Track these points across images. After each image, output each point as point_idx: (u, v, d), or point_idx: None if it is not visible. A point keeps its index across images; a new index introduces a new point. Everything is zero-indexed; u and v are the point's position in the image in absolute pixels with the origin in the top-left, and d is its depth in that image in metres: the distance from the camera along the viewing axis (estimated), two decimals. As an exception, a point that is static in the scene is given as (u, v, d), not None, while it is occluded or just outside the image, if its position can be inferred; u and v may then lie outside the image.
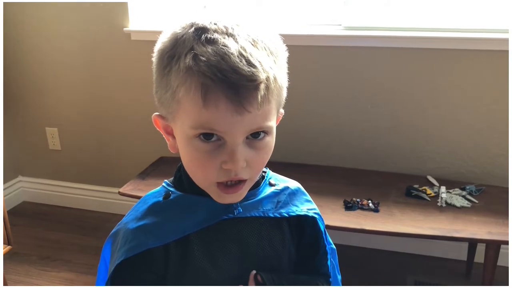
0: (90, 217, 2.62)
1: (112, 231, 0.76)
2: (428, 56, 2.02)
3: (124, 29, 2.30)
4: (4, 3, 2.42)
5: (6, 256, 1.99)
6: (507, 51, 1.86)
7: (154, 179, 2.05)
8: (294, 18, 2.23)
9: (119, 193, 1.98)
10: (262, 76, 0.62)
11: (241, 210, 0.74)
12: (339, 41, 2.11)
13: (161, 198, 0.75)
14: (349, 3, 2.11)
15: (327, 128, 2.22)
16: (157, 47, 0.69)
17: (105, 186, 2.63)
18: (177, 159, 0.73)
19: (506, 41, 1.85)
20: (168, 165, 2.17)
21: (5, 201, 2.02)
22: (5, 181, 2.66)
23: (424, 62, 2.04)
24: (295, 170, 1.96)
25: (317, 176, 2.04)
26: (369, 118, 2.15)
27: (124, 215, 0.78)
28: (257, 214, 0.75)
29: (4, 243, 1.91)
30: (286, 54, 0.71)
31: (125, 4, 2.28)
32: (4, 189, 2.59)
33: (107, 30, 2.34)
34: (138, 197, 1.77)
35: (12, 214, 2.43)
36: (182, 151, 0.70)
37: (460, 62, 2.00)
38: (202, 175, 0.69)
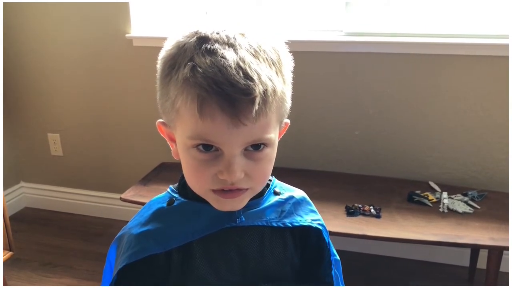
0: (92, 223, 2.62)
1: (118, 234, 0.77)
2: (429, 61, 2.03)
3: (126, 35, 2.30)
4: (6, 8, 2.44)
5: (7, 262, 1.99)
6: (507, 57, 1.87)
7: (155, 185, 2.05)
8: (296, 24, 2.23)
9: (121, 199, 1.97)
10: (259, 89, 0.61)
11: (244, 219, 0.73)
12: (341, 47, 2.11)
13: (165, 204, 0.75)
14: (351, 9, 2.12)
15: (328, 134, 2.22)
16: (161, 55, 0.69)
17: (106, 192, 2.63)
18: (178, 165, 0.74)
19: (506, 46, 1.86)
20: (169, 171, 2.17)
21: (7, 207, 2.02)
22: (7, 187, 2.66)
23: (426, 67, 2.04)
24: (296, 175, 1.97)
25: (318, 182, 2.04)
26: (370, 123, 2.16)
27: (126, 221, 0.78)
28: (260, 224, 0.75)
29: (5, 249, 1.91)
30: (292, 64, 0.70)
31: (127, 10, 2.28)
32: (6, 195, 2.59)
33: (109, 36, 2.35)
34: (140, 203, 1.77)
35: (13, 220, 2.43)
36: (181, 159, 0.70)
37: (462, 68, 2.00)
38: (196, 182, 0.69)
